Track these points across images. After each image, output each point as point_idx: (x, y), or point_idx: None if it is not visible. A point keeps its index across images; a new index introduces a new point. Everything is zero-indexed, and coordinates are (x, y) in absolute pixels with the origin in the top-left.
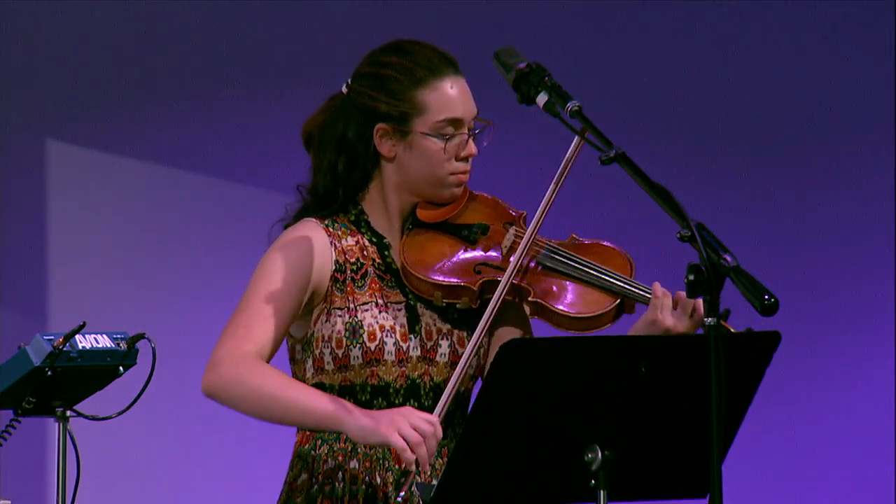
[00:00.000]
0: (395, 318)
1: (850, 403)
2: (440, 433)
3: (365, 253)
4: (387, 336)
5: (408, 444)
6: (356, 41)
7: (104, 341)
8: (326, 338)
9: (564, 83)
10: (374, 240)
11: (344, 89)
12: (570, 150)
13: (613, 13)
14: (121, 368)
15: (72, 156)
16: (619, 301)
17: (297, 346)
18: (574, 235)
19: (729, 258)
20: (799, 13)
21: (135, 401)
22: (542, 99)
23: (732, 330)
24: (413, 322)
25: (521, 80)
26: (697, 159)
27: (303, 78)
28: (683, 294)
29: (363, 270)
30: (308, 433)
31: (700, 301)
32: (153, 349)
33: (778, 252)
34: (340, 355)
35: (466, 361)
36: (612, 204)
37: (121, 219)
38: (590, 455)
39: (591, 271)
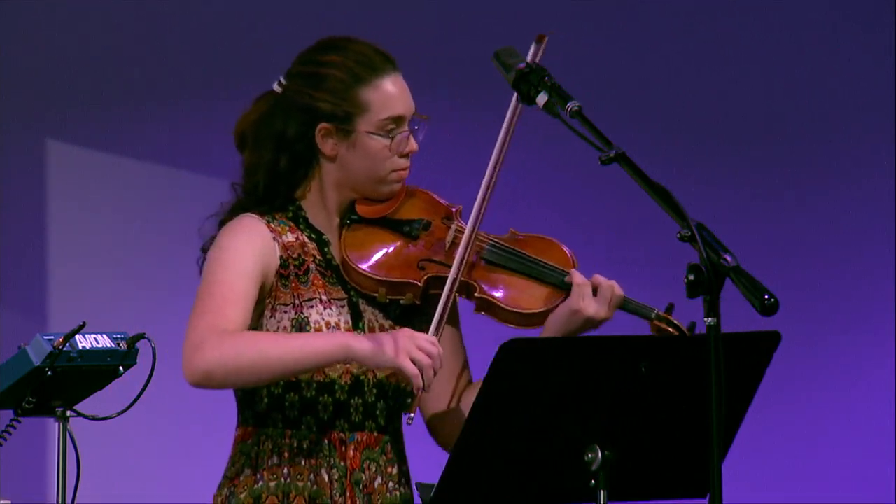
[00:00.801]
0: (339, 314)
1: (850, 403)
2: (441, 352)
3: (305, 249)
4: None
5: (419, 366)
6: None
7: (104, 341)
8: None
9: (564, 83)
10: (314, 236)
11: (277, 88)
12: (498, 141)
13: (613, 13)
14: (121, 368)
15: (72, 156)
16: (565, 295)
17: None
18: (513, 230)
19: (729, 258)
20: (799, 13)
21: (135, 401)
22: (542, 99)
23: (676, 322)
24: (356, 318)
25: (521, 80)
26: (697, 159)
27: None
28: (600, 278)
29: (305, 266)
30: (250, 428)
31: (615, 284)
32: (153, 349)
33: (778, 252)
34: None
35: (447, 298)
36: (613, 204)
37: (121, 219)
38: (590, 455)
39: (536, 266)
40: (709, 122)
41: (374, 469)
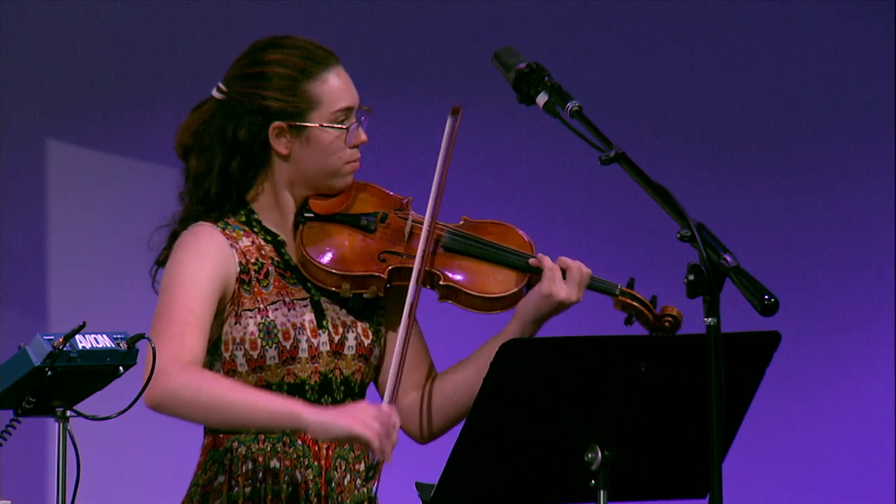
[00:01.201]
0: (302, 315)
1: (850, 403)
2: (398, 421)
3: (262, 252)
4: (299, 333)
5: (378, 434)
6: (357, 41)
7: (104, 341)
8: (238, 340)
9: (564, 83)
10: (269, 238)
11: (217, 94)
12: (446, 129)
13: (613, 14)
14: (121, 368)
15: (72, 156)
16: (528, 277)
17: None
18: (466, 217)
19: (729, 258)
20: (799, 14)
21: (135, 401)
22: (542, 99)
23: (639, 295)
24: (320, 317)
25: (521, 80)
26: (697, 159)
27: None
28: (568, 260)
29: (265, 270)
30: (222, 435)
31: (581, 265)
32: (153, 349)
33: (778, 252)
34: (256, 356)
35: (403, 347)
36: (613, 204)
37: (121, 219)
38: (590, 455)
39: (497, 250)
40: (708, 122)
41: (344, 467)
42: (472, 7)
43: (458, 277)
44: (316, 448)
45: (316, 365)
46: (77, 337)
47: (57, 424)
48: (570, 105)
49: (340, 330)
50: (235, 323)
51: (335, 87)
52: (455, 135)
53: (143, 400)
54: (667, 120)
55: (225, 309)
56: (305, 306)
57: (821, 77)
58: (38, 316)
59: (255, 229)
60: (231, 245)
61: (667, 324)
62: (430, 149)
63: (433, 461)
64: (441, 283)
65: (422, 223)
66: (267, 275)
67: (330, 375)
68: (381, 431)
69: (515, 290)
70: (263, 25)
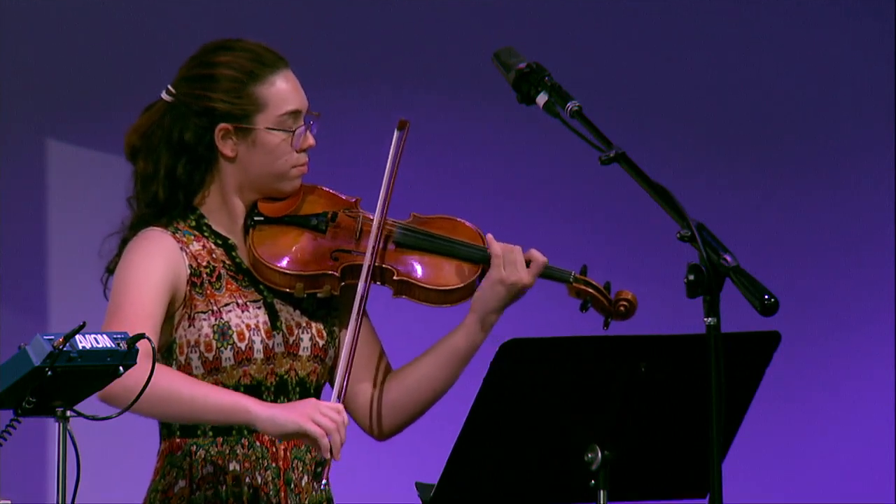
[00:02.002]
0: (256, 316)
1: (850, 403)
2: (346, 419)
3: (213, 256)
4: (254, 335)
5: (325, 431)
6: (356, 41)
7: (104, 341)
8: (193, 342)
9: (564, 83)
10: (219, 242)
11: (166, 96)
12: (394, 141)
13: (613, 14)
14: (121, 368)
15: (72, 156)
16: (481, 269)
17: (159, 352)
18: (415, 213)
19: (729, 258)
20: (799, 14)
21: (135, 401)
22: (542, 99)
23: (593, 282)
24: (273, 318)
25: (521, 80)
26: (697, 160)
27: (302, 78)
28: (514, 247)
29: (217, 273)
30: (178, 440)
31: (532, 251)
32: (153, 349)
33: (778, 252)
34: (211, 358)
35: (352, 345)
36: (613, 204)
37: (121, 219)
38: (590, 455)
39: (448, 243)
40: (708, 122)
41: (301, 468)
42: (472, 7)
43: (411, 271)
44: (274, 449)
45: (272, 366)
46: (77, 337)
47: (57, 424)
48: (570, 105)
49: (295, 331)
50: (189, 326)
51: (282, 90)
52: (403, 146)
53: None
54: (667, 120)
55: (177, 313)
56: (259, 308)
57: (821, 77)
58: (38, 316)
59: (206, 233)
60: (181, 248)
61: (622, 308)
62: (431, 149)
63: (433, 461)
64: (394, 278)
65: (371, 221)
66: (219, 277)
67: (285, 377)
68: (330, 427)
69: (468, 281)
70: (263, 25)
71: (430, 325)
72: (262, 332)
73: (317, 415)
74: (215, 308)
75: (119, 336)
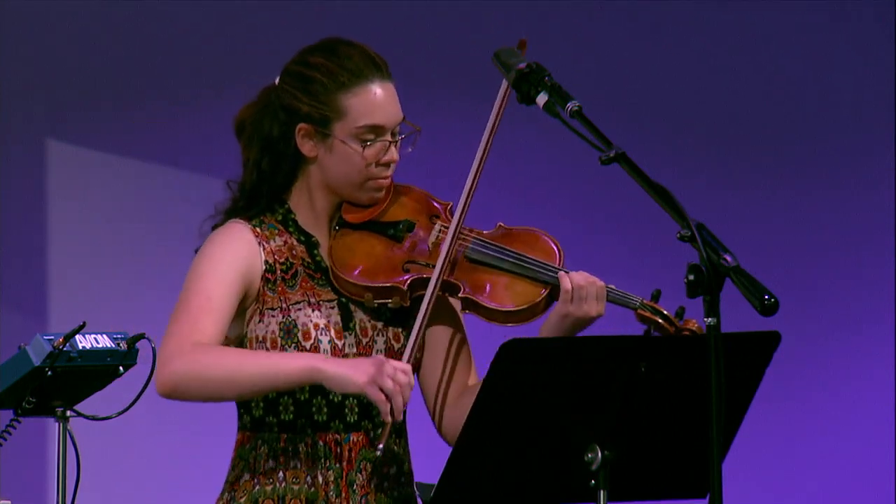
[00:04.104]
0: (328, 316)
1: (850, 403)
2: (413, 381)
3: (294, 252)
4: (321, 334)
5: (385, 394)
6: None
7: (104, 341)
8: (261, 338)
9: (564, 83)
10: (303, 238)
11: (277, 81)
12: (482, 143)
13: (613, 14)
14: (121, 368)
15: (72, 156)
16: (549, 290)
17: (231, 346)
18: (501, 224)
19: (729, 258)
20: (799, 15)
21: (135, 401)
22: (542, 99)
23: (661, 309)
24: (347, 319)
25: (521, 80)
26: (697, 160)
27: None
28: (579, 278)
29: (293, 270)
30: (248, 433)
31: (596, 280)
32: (153, 349)
33: (778, 252)
34: None
35: (414, 343)
36: (613, 204)
37: (121, 219)
38: (590, 455)
39: (519, 262)
40: (708, 122)
41: (370, 469)
42: (472, 7)
43: (477, 289)
44: (338, 450)
45: None
46: (77, 337)
47: (57, 424)
48: (570, 105)
49: (370, 333)
50: (259, 321)
51: (367, 102)
52: (483, 163)
53: (156, 389)
54: (667, 120)
55: (249, 308)
56: (332, 308)
57: (821, 78)
58: (38, 316)
59: (291, 229)
60: (259, 243)
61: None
62: (431, 149)
63: (433, 461)
64: (461, 294)
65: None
66: (295, 275)
67: None
68: (392, 390)
69: (533, 302)
70: (262, 25)
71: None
72: (332, 331)
73: (381, 377)
74: (284, 306)
75: (119, 336)
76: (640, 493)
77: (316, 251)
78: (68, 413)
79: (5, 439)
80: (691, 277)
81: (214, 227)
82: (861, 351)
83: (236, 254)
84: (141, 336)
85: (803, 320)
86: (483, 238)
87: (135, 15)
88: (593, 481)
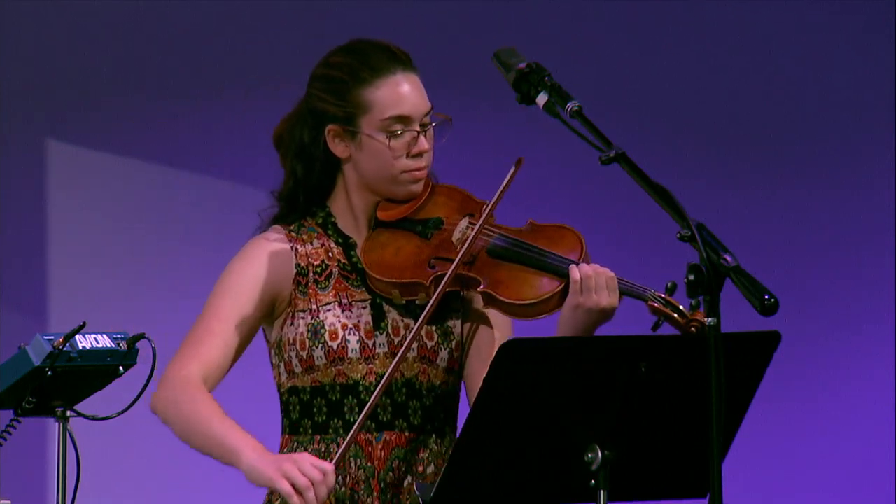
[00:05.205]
0: (358, 316)
1: (850, 403)
2: (332, 481)
3: (330, 255)
4: (349, 334)
5: (295, 488)
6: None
7: (104, 341)
8: (292, 341)
9: (565, 83)
10: (341, 241)
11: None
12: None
13: (613, 14)
14: (121, 368)
15: (72, 156)
16: (564, 283)
17: (271, 350)
18: (532, 220)
19: (729, 258)
20: (799, 15)
21: (135, 401)
22: (542, 99)
23: (673, 301)
24: (378, 319)
25: (521, 80)
26: (697, 160)
27: (302, 78)
28: (587, 268)
29: (327, 272)
30: (287, 436)
31: (606, 271)
32: (153, 349)
33: (778, 252)
34: (305, 357)
35: (400, 358)
36: (613, 204)
37: (121, 219)
38: (590, 455)
39: (536, 255)
40: (708, 122)
41: (403, 469)
42: (472, 7)
43: (495, 284)
44: (370, 449)
45: (371, 366)
46: (77, 337)
47: (57, 424)
48: (570, 105)
49: (402, 332)
50: (291, 324)
51: (390, 94)
52: (510, 181)
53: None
54: (667, 120)
55: (283, 312)
56: (364, 308)
57: (821, 78)
58: (38, 316)
59: (330, 231)
60: (293, 248)
61: (693, 329)
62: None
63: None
64: (479, 288)
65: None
66: (329, 277)
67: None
68: (303, 485)
69: (548, 295)
70: (262, 25)
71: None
72: (362, 331)
73: (293, 471)
74: (314, 307)
75: (119, 336)
76: (640, 493)
77: (353, 252)
78: (68, 413)
79: (5, 439)
80: (691, 277)
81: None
82: (861, 351)
83: (262, 266)
84: (141, 336)
85: (803, 320)
86: (505, 233)
87: (135, 15)
88: (593, 481)
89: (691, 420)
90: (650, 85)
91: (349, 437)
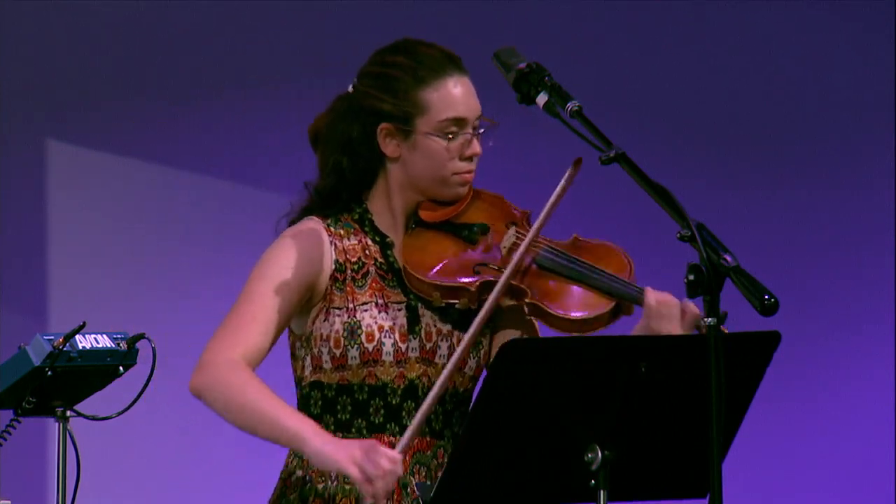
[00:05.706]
0: (394, 318)
1: (850, 403)
2: (401, 471)
3: (367, 252)
4: (385, 337)
5: (367, 476)
6: (356, 41)
7: (104, 341)
8: (325, 337)
9: (565, 83)
10: (378, 239)
11: (350, 89)
12: (566, 176)
13: (613, 14)
14: (121, 368)
15: (72, 156)
16: (615, 304)
17: (297, 342)
18: (577, 236)
19: (729, 258)
20: (799, 15)
21: (135, 401)
22: (542, 99)
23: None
24: (413, 323)
25: (521, 80)
26: (697, 160)
27: (302, 78)
28: (670, 298)
29: (364, 270)
30: None
31: (689, 303)
32: (153, 349)
33: (778, 252)
34: (338, 355)
35: (454, 364)
36: (613, 204)
37: (121, 219)
38: (590, 455)
39: (589, 273)
40: (708, 122)
41: (423, 473)
42: (472, 7)
43: (544, 296)
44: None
45: (402, 370)
46: (77, 337)
47: (57, 424)
48: (570, 105)
49: (434, 338)
50: (324, 320)
51: (448, 95)
52: (571, 182)
53: (189, 385)
54: (667, 120)
55: (316, 306)
56: (400, 310)
57: (821, 77)
58: (38, 316)
59: (366, 228)
60: (331, 242)
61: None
62: None
63: None
64: (527, 299)
65: (524, 238)
66: (366, 275)
67: (416, 382)
68: (374, 474)
69: (599, 314)
70: (262, 25)
71: None
72: (397, 334)
73: (364, 460)
74: (351, 306)
75: (119, 336)
76: (640, 493)
77: (389, 252)
78: (68, 413)
79: (5, 439)
80: (691, 277)
81: (291, 223)
82: (861, 351)
83: (303, 254)
84: (141, 336)
85: (803, 320)
86: (555, 246)
87: (135, 15)
88: (593, 481)
89: (691, 420)
90: (650, 85)
91: (412, 429)
